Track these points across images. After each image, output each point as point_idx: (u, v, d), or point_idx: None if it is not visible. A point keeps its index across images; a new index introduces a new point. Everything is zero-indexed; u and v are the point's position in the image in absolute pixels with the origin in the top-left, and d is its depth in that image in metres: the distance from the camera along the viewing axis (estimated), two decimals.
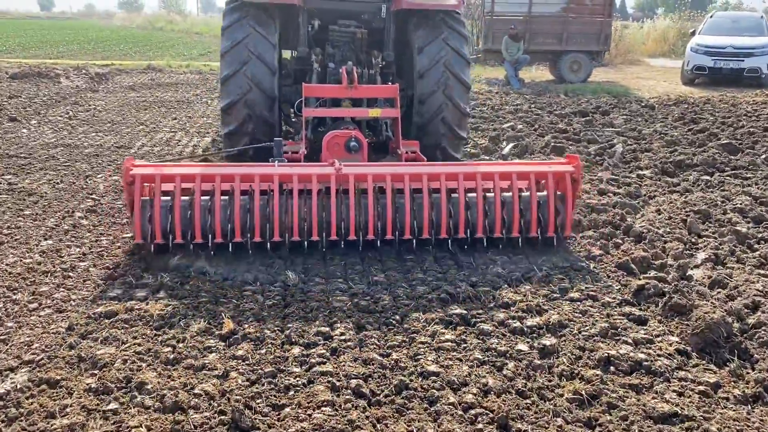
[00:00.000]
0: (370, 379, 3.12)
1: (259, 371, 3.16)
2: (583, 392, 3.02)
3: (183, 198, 4.46)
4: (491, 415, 2.85)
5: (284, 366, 3.21)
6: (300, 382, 3.06)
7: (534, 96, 13.88)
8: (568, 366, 3.25)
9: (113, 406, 2.86)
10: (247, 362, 3.24)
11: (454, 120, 6.23)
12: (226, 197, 4.47)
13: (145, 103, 12.19)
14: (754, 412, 2.97)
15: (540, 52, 17.10)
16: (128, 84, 15.06)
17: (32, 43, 29.35)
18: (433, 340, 3.48)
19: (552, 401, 2.98)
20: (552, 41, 16.80)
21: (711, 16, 19.05)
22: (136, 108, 11.55)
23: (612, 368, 3.23)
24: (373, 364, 3.23)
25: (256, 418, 2.78)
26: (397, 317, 3.71)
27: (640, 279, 4.33)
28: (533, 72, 19.29)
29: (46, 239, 4.94)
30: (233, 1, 6.10)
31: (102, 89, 14.13)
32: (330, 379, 3.07)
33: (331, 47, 6.48)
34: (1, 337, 3.47)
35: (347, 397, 2.94)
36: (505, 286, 4.20)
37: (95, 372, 3.12)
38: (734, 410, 2.95)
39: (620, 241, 5.09)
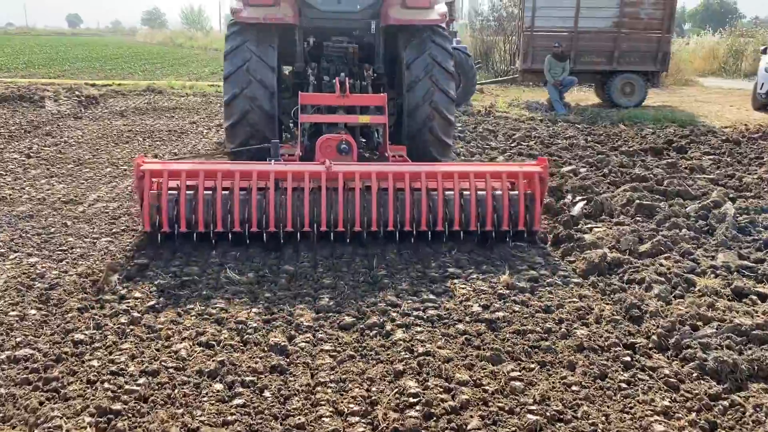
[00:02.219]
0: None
1: None
2: None
3: (187, 192, 4.87)
4: None
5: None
6: None
7: (586, 125, 11.81)
8: None
9: None
10: None
11: (440, 129, 6.57)
12: (227, 192, 4.90)
13: (129, 134, 10.37)
14: None
15: (586, 73, 15.01)
16: (119, 108, 13.31)
17: (40, 61, 28.06)
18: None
19: None
20: (601, 60, 14.72)
21: None
22: (115, 140, 9.73)
23: None
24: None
25: None
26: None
27: None
28: (576, 93, 17.22)
29: None
30: (234, 24, 6.48)
31: (87, 115, 12.38)
32: None
33: (325, 62, 6.88)
34: None
35: None
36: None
37: None
38: None
39: None
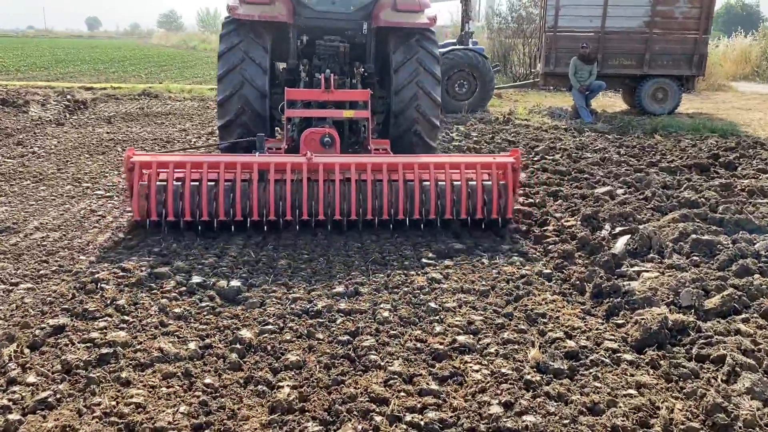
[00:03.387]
0: None
1: None
2: None
3: (175, 183, 5.05)
4: None
5: None
6: None
7: (617, 135, 10.60)
8: None
9: None
10: None
11: (425, 132, 6.75)
12: (213, 182, 5.10)
13: (109, 143, 9.37)
14: None
15: (614, 77, 13.77)
16: (108, 114, 12.35)
17: (45, 63, 27.35)
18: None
19: None
20: (631, 63, 13.48)
21: None
22: (91, 151, 8.73)
23: None
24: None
25: None
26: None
27: None
28: (601, 99, 15.99)
29: None
30: (230, 23, 6.56)
31: (72, 121, 11.42)
32: None
33: (317, 59, 6.96)
34: None
35: None
36: None
37: None
38: None
39: None
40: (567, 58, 13.35)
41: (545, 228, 5.58)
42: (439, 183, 5.32)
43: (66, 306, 3.74)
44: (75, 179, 7.05)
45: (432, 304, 3.86)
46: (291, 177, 5.12)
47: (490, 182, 5.40)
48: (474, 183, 5.35)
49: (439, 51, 13.74)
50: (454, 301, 3.93)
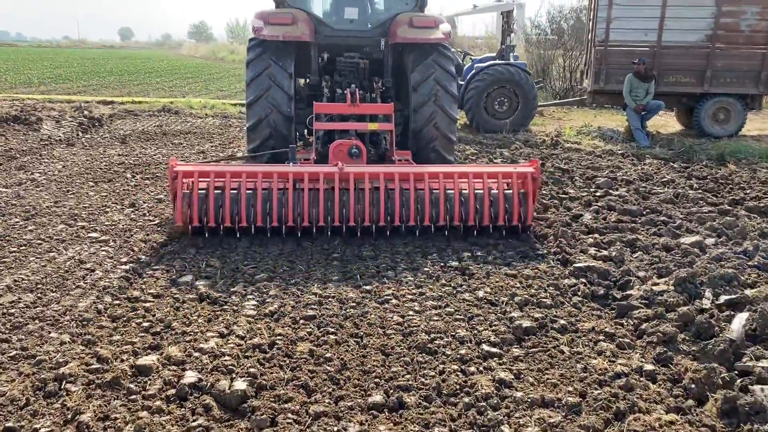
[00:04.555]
0: None
1: None
2: None
3: (216, 191, 5.35)
4: None
5: None
6: None
7: (682, 163, 9.43)
8: None
9: None
10: None
11: (442, 147, 6.93)
12: (251, 190, 5.42)
13: (119, 167, 8.53)
14: None
15: (670, 95, 12.56)
16: (124, 132, 11.57)
17: (71, 75, 27.02)
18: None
19: None
20: (689, 81, 12.28)
21: None
22: (97, 177, 7.88)
23: None
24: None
25: None
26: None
27: None
28: (653, 118, 14.74)
29: None
30: (255, 46, 6.86)
31: (83, 140, 10.65)
32: None
33: (338, 75, 7.37)
34: None
35: None
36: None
37: None
38: None
39: None
40: (618, 75, 12.22)
41: (629, 293, 4.49)
42: (462, 192, 5.61)
43: (11, 423, 2.78)
44: (70, 216, 6.16)
45: (506, 430, 2.81)
46: (324, 186, 5.44)
47: (510, 191, 5.67)
48: (496, 191, 5.63)
49: (479, 66, 12.91)
50: (534, 422, 2.87)
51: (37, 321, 3.85)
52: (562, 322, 3.99)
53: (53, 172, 8.11)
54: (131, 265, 4.84)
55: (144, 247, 5.31)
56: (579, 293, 4.50)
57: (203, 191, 5.39)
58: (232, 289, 4.40)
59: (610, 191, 7.30)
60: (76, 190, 7.26)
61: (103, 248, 5.24)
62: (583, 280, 4.72)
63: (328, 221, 5.43)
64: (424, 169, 5.80)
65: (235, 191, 5.37)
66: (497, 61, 12.87)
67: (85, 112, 13.36)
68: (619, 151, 10.20)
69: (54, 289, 4.37)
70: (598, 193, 7.24)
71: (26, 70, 29.23)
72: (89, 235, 5.58)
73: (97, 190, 7.27)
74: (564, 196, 7.15)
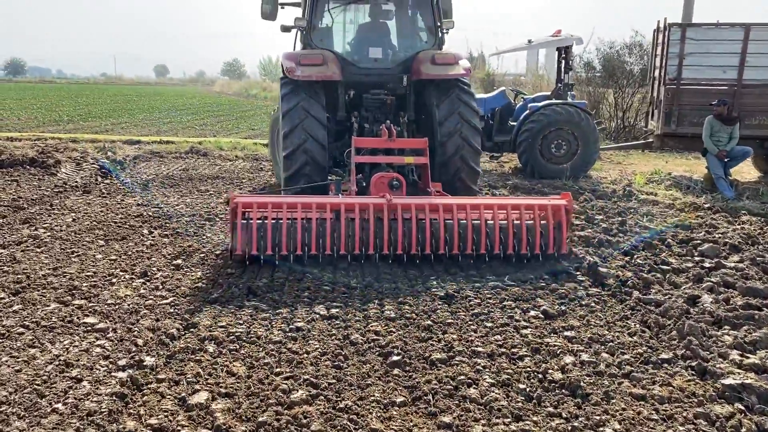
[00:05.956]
0: None
1: None
2: None
3: (273, 220, 5.71)
4: None
5: None
6: None
7: None
8: None
9: None
10: None
11: (468, 177, 7.33)
12: (306, 220, 5.78)
13: (137, 220, 7.50)
14: None
15: (750, 139, 11.16)
16: (147, 176, 10.64)
17: (101, 112, 26.68)
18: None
19: None
20: None
21: None
22: (110, 234, 6.85)
23: None
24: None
25: None
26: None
27: None
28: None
29: None
30: (287, 84, 7.27)
31: (103, 187, 9.70)
32: None
33: (365, 111, 7.76)
34: None
35: None
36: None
37: None
38: None
39: None
40: (692, 116, 10.96)
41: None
42: (500, 222, 5.89)
43: None
44: (68, 290, 5.06)
45: None
46: (373, 216, 5.77)
47: (545, 222, 5.96)
48: (532, 222, 5.93)
49: (533, 105, 11.76)
50: None
51: None
52: None
53: (61, 227, 7.09)
54: (130, 371, 3.67)
55: (150, 339, 4.15)
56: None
57: (261, 221, 5.72)
58: (259, 419, 3.19)
59: (721, 261, 5.96)
60: (83, 251, 6.20)
61: (99, 342, 4.09)
62: (740, 406, 3.41)
63: (377, 248, 5.73)
64: (467, 200, 6.13)
65: (293, 221, 5.72)
66: (554, 101, 11.70)
67: (109, 153, 12.54)
68: (705, 205, 8.84)
69: (22, 411, 3.21)
70: (706, 264, 5.91)
71: (59, 107, 29.06)
72: (85, 320, 4.45)
73: (106, 252, 6.21)
74: (666, 267, 5.83)
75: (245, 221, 5.68)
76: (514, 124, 11.85)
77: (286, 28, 8.14)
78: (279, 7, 8.33)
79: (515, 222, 5.90)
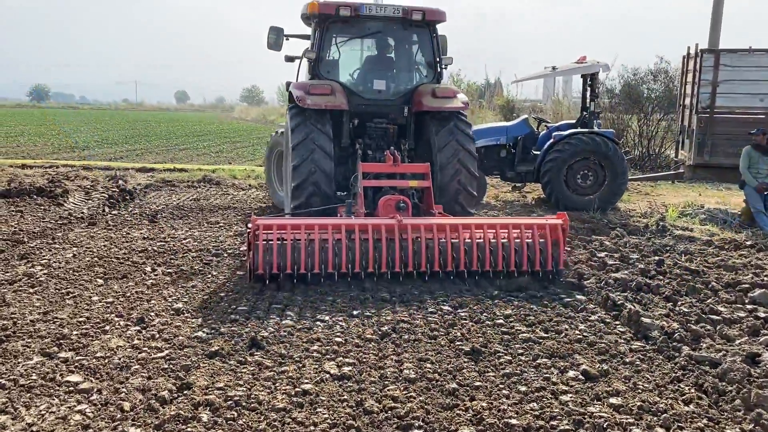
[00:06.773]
0: None
1: None
2: None
3: (292, 241, 6.03)
4: None
5: None
6: None
7: None
8: None
9: None
10: None
11: (465, 200, 7.80)
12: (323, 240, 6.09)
13: (141, 256, 7.08)
14: None
15: None
16: (156, 207, 10.27)
17: (118, 138, 26.68)
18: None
19: None
20: None
21: None
22: (110, 272, 6.42)
23: None
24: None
25: None
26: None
27: None
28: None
29: None
30: (297, 114, 7.61)
31: (110, 218, 9.33)
32: None
33: (368, 138, 8.29)
34: None
35: None
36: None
37: None
38: None
39: None
40: (726, 147, 10.45)
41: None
42: (502, 241, 6.25)
43: None
44: (55, 339, 4.61)
45: None
46: (384, 237, 6.12)
47: (544, 240, 6.31)
48: (531, 241, 6.27)
49: (557, 134, 11.28)
50: None
51: None
52: None
53: (59, 264, 6.69)
54: None
55: (139, 403, 3.66)
56: None
57: (281, 242, 5.99)
58: None
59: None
60: (78, 292, 5.76)
61: (79, 406, 3.61)
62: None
63: (390, 266, 6.08)
64: (471, 221, 6.64)
65: (311, 241, 6.02)
66: (579, 129, 11.21)
67: (119, 182, 12.22)
68: (747, 242, 8.24)
69: None
70: (761, 313, 5.32)
71: (76, 133, 29.14)
72: (68, 377, 3.97)
73: (103, 293, 5.77)
74: (715, 317, 5.25)
75: (266, 242, 5.95)
76: (538, 153, 11.36)
77: (290, 59, 8.90)
78: (284, 38, 8.70)
79: (516, 240, 6.28)
